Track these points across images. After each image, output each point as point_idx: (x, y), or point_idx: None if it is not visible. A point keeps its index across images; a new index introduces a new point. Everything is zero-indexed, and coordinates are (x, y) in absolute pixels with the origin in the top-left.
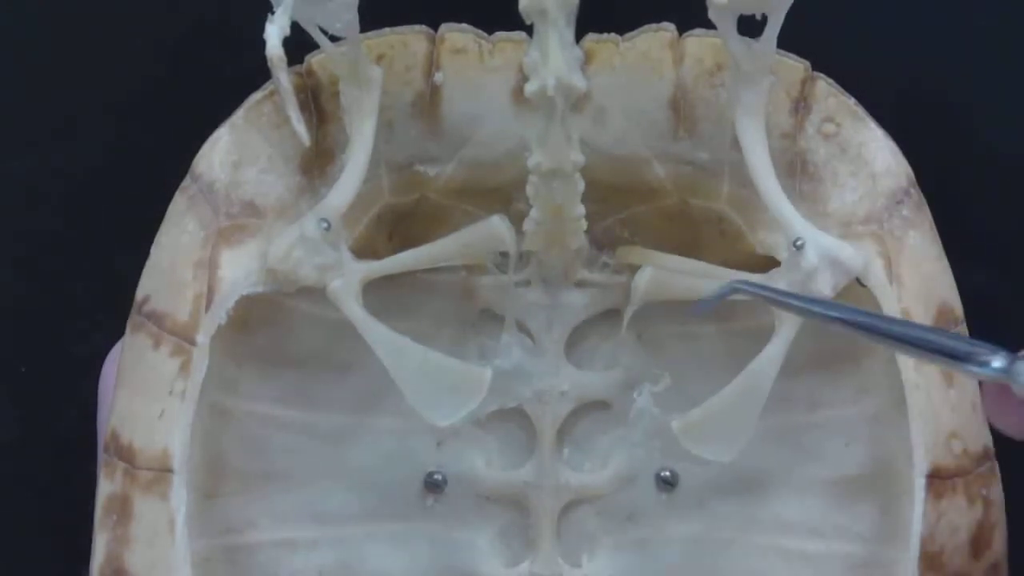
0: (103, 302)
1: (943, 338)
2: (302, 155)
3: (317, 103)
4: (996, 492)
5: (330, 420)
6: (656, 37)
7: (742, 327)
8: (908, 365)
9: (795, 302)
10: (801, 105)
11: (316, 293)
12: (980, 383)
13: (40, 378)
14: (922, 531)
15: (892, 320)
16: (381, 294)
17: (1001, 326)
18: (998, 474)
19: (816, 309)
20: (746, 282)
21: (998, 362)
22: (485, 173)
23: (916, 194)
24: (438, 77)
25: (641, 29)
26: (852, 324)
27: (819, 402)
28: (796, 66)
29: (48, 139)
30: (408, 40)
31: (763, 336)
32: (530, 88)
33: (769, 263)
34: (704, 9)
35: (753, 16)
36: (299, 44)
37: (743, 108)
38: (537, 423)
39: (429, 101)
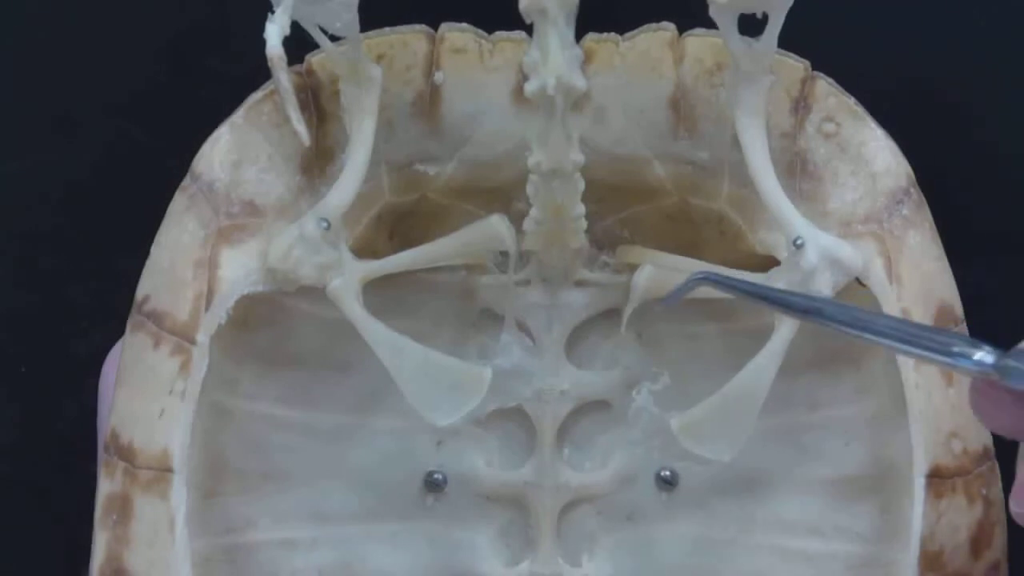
0: (103, 302)
1: (928, 333)
2: (302, 154)
3: (317, 102)
4: (996, 492)
5: (330, 420)
6: (656, 36)
7: (742, 326)
8: (908, 365)
9: (765, 294)
10: (801, 105)
11: (316, 293)
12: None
13: (40, 378)
14: (922, 531)
15: (874, 314)
16: (381, 294)
17: (1001, 326)
18: (998, 474)
19: (784, 300)
20: (711, 273)
21: (987, 358)
22: (485, 172)
23: (916, 194)
24: (438, 77)
25: (641, 28)
26: (829, 318)
27: (819, 402)
28: (796, 66)
29: (48, 139)
30: (408, 39)
31: (763, 335)
32: (530, 88)
33: (769, 262)
34: (704, 9)
35: (754, 15)
36: (299, 44)
37: (743, 107)
38: (537, 423)
39: (429, 100)
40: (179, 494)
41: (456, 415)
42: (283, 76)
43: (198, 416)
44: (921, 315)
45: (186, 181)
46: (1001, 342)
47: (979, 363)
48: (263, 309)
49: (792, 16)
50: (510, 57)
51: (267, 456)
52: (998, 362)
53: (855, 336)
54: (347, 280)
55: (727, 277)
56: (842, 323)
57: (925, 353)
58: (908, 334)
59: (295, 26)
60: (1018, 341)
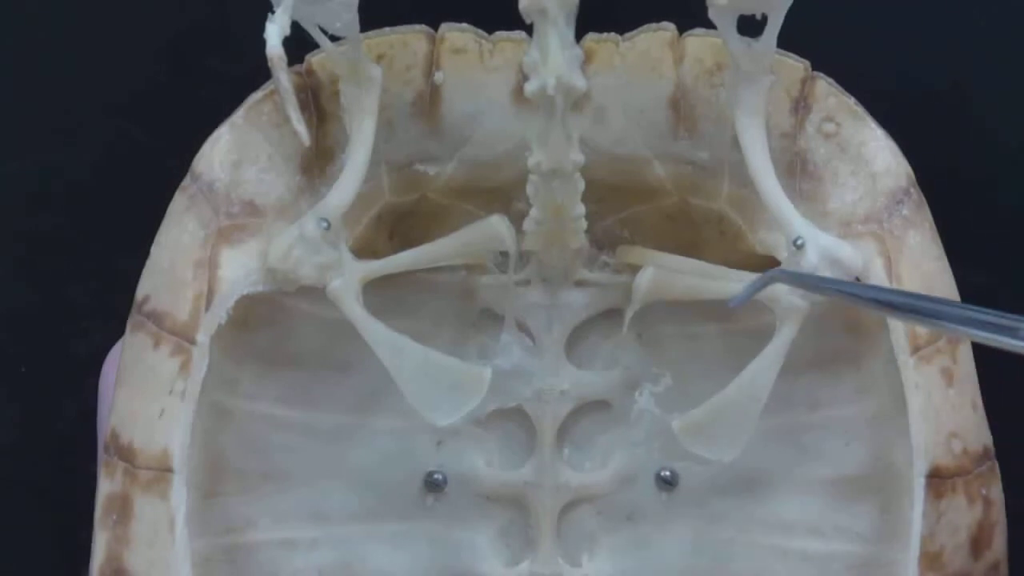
0: (103, 302)
1: (990, 315)
2: (302, 154)
3: (317, 103)
4: (996, 492)
5: (330, 420)
6: (656, 36)
7: (743, 327)
8: (908, 365)
9: (833, 287)
10: (801, 105)
11: (316, 293)
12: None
13: (40, 378)
14: (922, 531)
15: (934, 299)
16: (381, 294)
17: None
18: (998, 474)
19: (853, 292)
20: (781, 272)
21: None
22: (485, 172)
23: (916, 194)
24: (438, 76)
25: (641, 28)
26: (892, 306)
27: (819, 402)
28: (796, 66)
29: (48, 139)
30: (408, 39)
31: (764, 336)
32: (530, 88)
33: (769, 263)
34: (704, 9)
35: (753, 16)
36: (299, 44)
37: (743, 108)
38: (537, 423)
39: (429, 100)
40: (179, 494)
41: (456, 415)
42: (283, 76)
43: (198, 416)
44: None
45: (186, 181)
46: None
47: None
48: (263, 309)
49: (792, 16)
50: (510, 57)
51: (267, 456)
52: None
53: (927, 325)
54: (347, 280)
55: (797, 274)
56: (913, 313)
57: (997, 337)
58: (978, 320)
59: (295, 26)
60: None
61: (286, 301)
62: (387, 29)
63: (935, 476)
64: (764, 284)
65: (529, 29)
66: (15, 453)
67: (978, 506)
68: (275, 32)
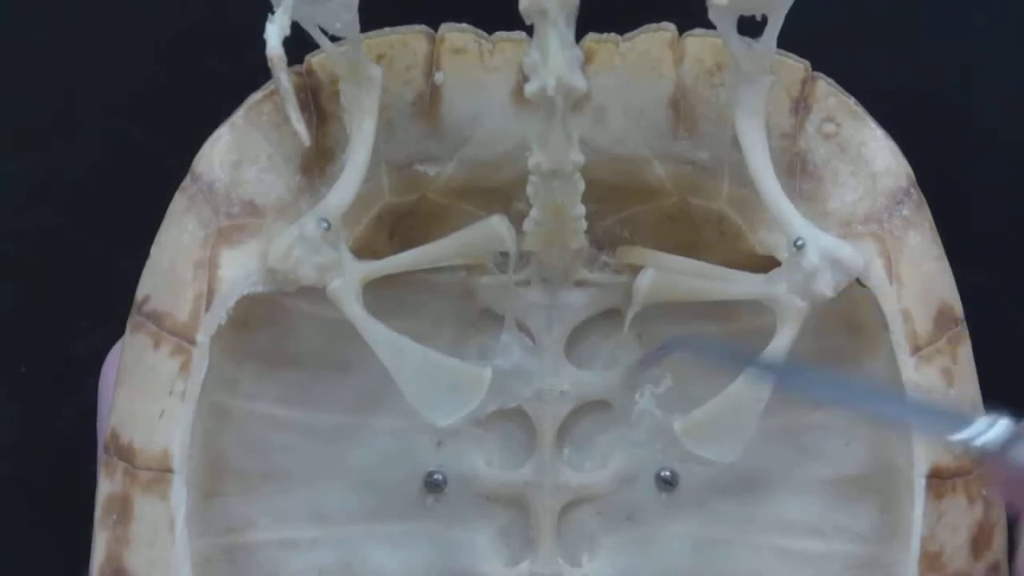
0: (103, 302)
1: (930, 407)
2: (302, 155)
3: (317, 103)
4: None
5: (330, 420)
6: (656, 37)
7: (743, 327)
8: (908, 365)
9: (748, 360)
10: (801, 105)
11: (316, 293)
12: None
13: (40, 378)
14: (922, 531)
15: (863, 385)
16: (381, 294)
17: (1001, 326)
18: None
19: (763, 363)
20: (687, 339)
21: (1001, 435)
22: (485, 173)
23: (916, 194)
24: (438, 77)
25: (641, 29)
26: (800, 388)
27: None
28: (796, 66)
29: (48, 139)
30: (408, 40)
31: (765, 336)
32: (530, 88)
33: (769, 263)
34: (704, 9)
35: (753, 16)
36: (299, 44)
37: (743, 108)
38: (537, 423)
39: (429, 101)
40: (179, 494)
41: (456, 415)
42: (283, 76)
43: (198, 416)
44: (922, 315)
45: (186, 181)
46: (1001, 342)
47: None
48: (263, 309)
49: (792, 16)
50: (510, 57)
51: (267, 456)
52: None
53: (834, 405)
54: (347, 280)
55: (705, 343)
56: (813, 388)
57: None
58: (909, 410)
59: (295, 26)
60: (1018, 340)
61: (286, 301)
62: (387, 29)
63: (935, 476)
64: (668, 352)
65: (529, 29)
66: (15, 453)
67: (978, 506)
68: (275, 32)
